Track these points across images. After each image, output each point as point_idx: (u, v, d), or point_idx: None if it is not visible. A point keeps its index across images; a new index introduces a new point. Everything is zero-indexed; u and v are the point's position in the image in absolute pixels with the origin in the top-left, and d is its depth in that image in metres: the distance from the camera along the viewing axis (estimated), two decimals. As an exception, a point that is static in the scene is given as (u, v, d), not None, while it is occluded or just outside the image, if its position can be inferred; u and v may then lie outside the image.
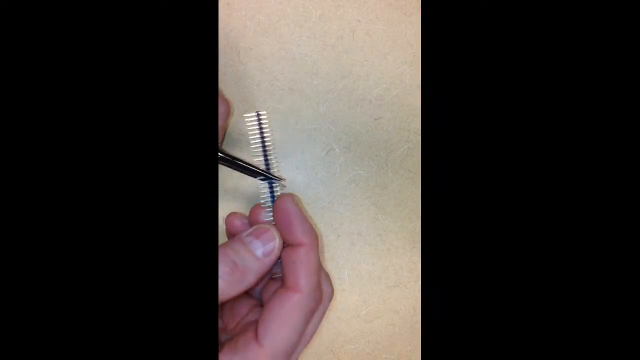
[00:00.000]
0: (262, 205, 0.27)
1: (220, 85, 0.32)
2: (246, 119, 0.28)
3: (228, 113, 0.26)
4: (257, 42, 0.32)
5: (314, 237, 0.25)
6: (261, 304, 0.27)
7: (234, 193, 0.33)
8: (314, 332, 0.25)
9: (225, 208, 0.33)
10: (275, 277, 0.27)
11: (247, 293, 0.28)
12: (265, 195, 0.28)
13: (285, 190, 0.29)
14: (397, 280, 0.34)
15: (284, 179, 0.29)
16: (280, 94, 0.32)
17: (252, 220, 0.27)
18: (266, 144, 0.29)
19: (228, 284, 0.22)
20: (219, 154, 0.27)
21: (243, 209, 0.33)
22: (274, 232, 0.24)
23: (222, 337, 0.25)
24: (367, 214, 0.33)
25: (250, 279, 0.23)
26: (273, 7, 0.32)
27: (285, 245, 0.25)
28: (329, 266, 0.33)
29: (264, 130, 0.29)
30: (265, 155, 0.29)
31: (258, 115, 0.29)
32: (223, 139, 0.28)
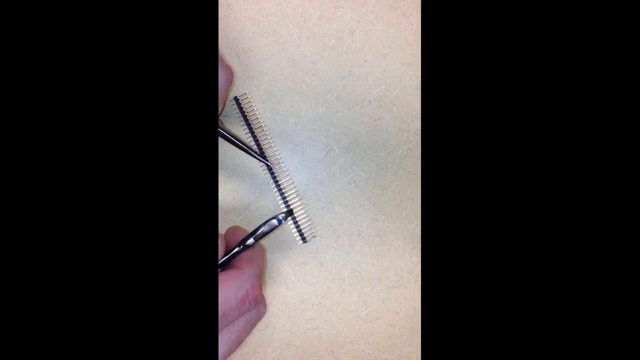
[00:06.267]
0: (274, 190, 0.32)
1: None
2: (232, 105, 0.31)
3: (230, 81, 0.27)
4: (256, 43, 0.32)
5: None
6: None
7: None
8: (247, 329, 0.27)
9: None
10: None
11: None
12: (269, 180, 0.32)
13: (286, 175, 0.32)
14: (397, 281, 0.34)
15: (272, 164, 0.32)
16: (280, 95, 0.32)
17: (229, 241, 0.29)
18: (252, 125, 0.31)
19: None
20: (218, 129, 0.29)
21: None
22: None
23: None
24: (367, 214, 0.33)
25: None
26: (272, 8, 0.32)
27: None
28: (329, 267, 0.33)
29: (246, 113, 0.31)
30: (255, 136, 0.31)
31: (236, 99, 0.30)
32: (223, 107, 0.29)
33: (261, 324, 0.34)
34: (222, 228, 0.32)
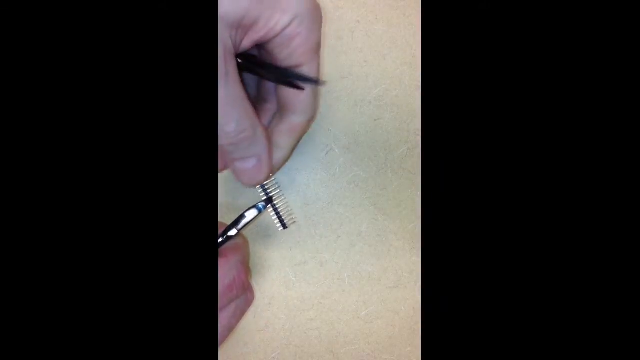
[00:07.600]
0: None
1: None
2: None
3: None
4: (256, 43, 0.32)
5: None
6: None
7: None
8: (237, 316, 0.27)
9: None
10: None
11: None
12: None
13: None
14: (397, 281, 0.34)
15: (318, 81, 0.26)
16: (280, 95, 0.32)
17: None
18: None
19: None
20: (238, 60, 0.24)
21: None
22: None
23: None
24: (367, 214, 0.33)
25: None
26: (272, 8, 0.32)
27: None
28: (329, 267, 0.33)
29: None
30: None
31: None
32: None
33: (261, 324, 0.34)
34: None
